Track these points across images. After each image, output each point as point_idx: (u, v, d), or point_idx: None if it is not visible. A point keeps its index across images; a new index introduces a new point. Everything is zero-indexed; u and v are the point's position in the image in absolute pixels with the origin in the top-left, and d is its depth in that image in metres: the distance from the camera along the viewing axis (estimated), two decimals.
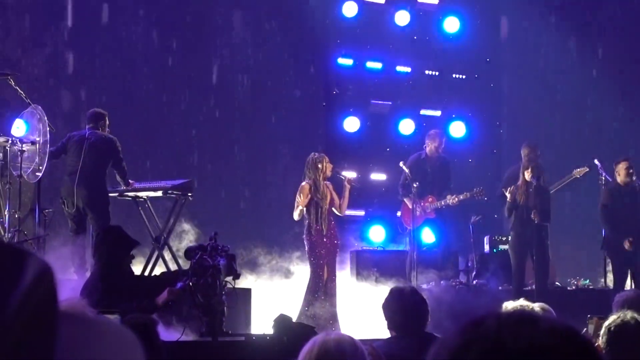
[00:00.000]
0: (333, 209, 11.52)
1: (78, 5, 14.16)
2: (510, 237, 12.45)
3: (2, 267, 1.52)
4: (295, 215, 11.35)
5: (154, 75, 14.94)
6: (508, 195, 12.01)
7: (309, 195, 11.28)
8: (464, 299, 11.84)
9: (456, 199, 12.90)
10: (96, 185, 11.01)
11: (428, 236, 13.37)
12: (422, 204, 12.96)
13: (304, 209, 11.29)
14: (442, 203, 13.01)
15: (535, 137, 14.09)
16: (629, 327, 4.73)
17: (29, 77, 12.94)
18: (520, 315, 1.47)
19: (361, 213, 15.33)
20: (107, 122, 11.34)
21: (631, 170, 12.20)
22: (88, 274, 9.27)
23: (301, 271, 11.96)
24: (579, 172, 13.12)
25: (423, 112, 16.41)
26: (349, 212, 13.52)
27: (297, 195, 11.34)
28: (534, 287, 12.14)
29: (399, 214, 13.51)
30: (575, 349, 1.45)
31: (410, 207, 12.65)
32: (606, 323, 4.90)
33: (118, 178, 11.32)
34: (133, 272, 8.66)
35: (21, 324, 1.49)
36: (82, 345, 1.81)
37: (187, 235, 11.99)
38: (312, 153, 11.64)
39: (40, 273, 1.52)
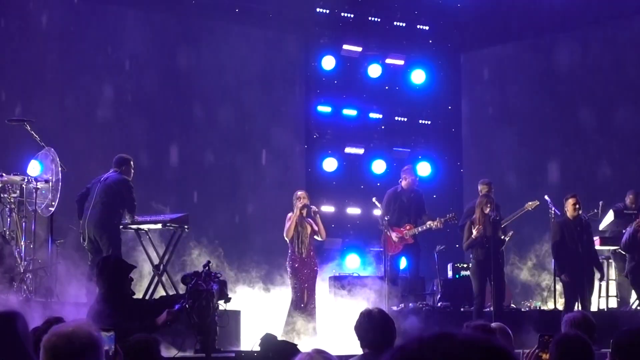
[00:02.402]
0: (315, 237, 11.56)
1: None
2: (471, 264, 12.35)
3: None
4: (289, 233, 11.44)
5: (155, 122, 14.94)
6: (475, 233, 11.81)
7: (294, 222, 11.37)
8: (430, 319, 11.83)
9: (439, 223, 12.80)
10: (104, 219, 10.84)
11: (401, 263, 13.33)
12: (401, 231, 12.89)
13: (292, 234, 11.35)
14: (420, 229, 12.92)
15: (490, 175, 14.10)
16: (574, 343, 4.75)
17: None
18: (440, 333, 1.48)
19: (338, 240, 15.28)
20: (132, 166, 11.18)
21: (577, 206, 12.09)
22: None
23: (283, 293, 11.94)
24: (530, 205, 13.00)
25: (395, 148, 16.52)
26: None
27: (286, 222, 11.53)
28: (492, 308, 12.09)
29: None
30: (487, 357, 1.45)
31: (387, 236, 12.65)
32: (555, 339, 4.91)
33: (126, 214, 11.10)
34: (134, 295, 8.59)
35: None
36: None
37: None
38: (295, 191, 11.81)
39: None
